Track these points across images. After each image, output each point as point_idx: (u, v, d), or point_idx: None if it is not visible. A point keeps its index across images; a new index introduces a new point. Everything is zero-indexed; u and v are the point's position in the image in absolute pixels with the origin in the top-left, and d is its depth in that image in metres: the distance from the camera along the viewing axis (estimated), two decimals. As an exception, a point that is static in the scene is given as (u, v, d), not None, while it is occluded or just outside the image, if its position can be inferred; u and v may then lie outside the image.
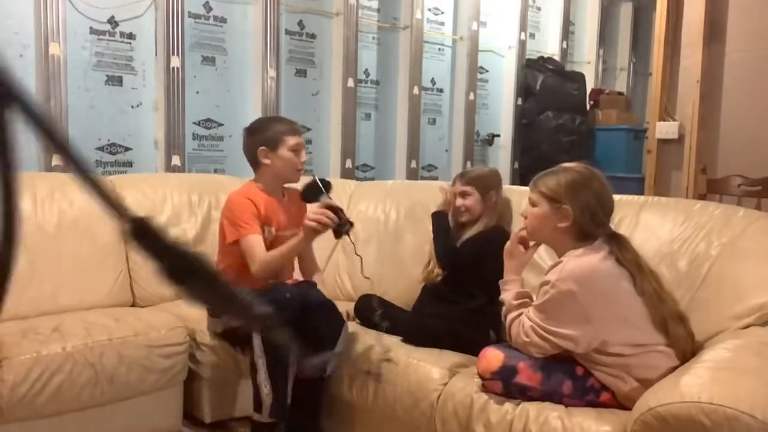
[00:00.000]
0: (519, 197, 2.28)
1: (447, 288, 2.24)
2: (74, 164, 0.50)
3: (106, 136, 3.01)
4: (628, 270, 1.66)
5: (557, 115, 4.87)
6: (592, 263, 1.65)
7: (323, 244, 2.51)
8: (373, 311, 2.23)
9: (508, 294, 1.80)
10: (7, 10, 2.67)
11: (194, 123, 3.30)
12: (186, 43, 3.15)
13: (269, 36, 3.43)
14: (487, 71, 4.91)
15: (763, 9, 3.20)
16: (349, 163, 3.86)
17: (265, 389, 2.00)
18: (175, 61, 3.08)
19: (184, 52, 3.12)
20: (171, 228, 2.67)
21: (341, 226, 2.01)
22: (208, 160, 3.39)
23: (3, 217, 0.47)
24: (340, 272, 2.74)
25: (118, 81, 3.02)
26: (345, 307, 2.36)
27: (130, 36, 3.04)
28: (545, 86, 4.91)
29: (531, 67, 4.98)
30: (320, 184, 2.09)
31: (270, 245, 2.17)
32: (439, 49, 4.57)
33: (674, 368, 1.58)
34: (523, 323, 1.70)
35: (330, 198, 2.08)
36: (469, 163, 4.62)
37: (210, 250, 2.71)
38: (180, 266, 0.56)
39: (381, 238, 2.70)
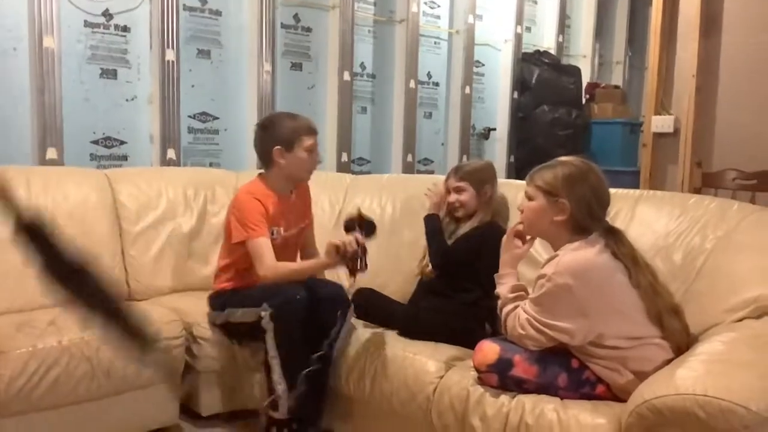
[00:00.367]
0: (515, 191, 2.28)
1: (442, 283, 2.24)
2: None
3: (101, 130, 3.00)
4: (624, 263, 1.66)
5: (553, 109, 4.87)
6: (588, 257, 1.65)
7: (318, 240, 2.51)
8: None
9: (503, 287, 1.81)
10: (0, 2, 2.66)
11: (189, 116, 3.29)
12: (181, 37, 3.13)
13: (265, 29, 3.42)
14: (483, 65, 4.91)
15: (758, 2, 3.20)
16: (345, 157, 3.86)
17: (281, 387, 2.01)
18: (170, 55, 3.07)
19: (179, 45, 3.10)
20: (166, 222, 2.67)
21: (356, 265, 1.96)
22: (204, 154, 3.38)
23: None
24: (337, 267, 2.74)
25: (112, 74, 3.01)
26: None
27: (125, 29, 3.03)
28: (541, 80, 4.91)
29: (527, 61, 4.98)
30: (362, 223, 2.06)
31: (277, 246, 2.17)
32: (435, 43, 4.56)
33: (669, 361, 1.59)
34: (519, 316, 1.70)
35: (364, 238, 2.02)
36: (465, 157, 4.62)
37: (206, 244, 2.73)
38: (65, 269, 0.55)
39: (377, 232, 2.69)
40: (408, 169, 4.24)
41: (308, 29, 3.76)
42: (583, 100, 5.26)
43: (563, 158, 1.80)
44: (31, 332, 1.99)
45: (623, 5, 5.97)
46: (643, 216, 2.08)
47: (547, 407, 1.61)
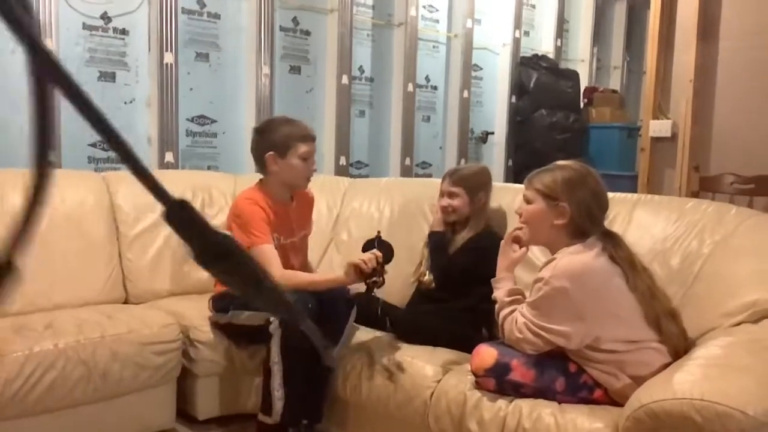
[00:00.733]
0: (513, 195, 2.28)
1: (440, 288, 2.23)
2: (117, 146, 0.50)
3: (99, 133, 2.99)
4: (622, 267, 1.66)
5: (551, 113, 4.88)
6: (586, 260, 1.65)
7: (317, 243, 2.51)
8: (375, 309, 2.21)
9: (500, 291, 1.81)
10: (-2, 5, 2.65)
11: (188, 119, 3.29)
12: (179, 40, 3.13)
13: (263, 32, 3.42)
14: (481, 69, 4.91)
15: (756, 7, 3.21)
16: (343, 160, 3.86)
17: (278, 393, 2.00)
18: (169, 57, 3.07)
19: (177, 48, 3.10)
20: (164, 225, 2.65)
21: (374, 282, 1.97)
22: (202, 157, 3.38)
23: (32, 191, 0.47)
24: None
25: (111, 77, 3.01)
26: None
27: (123, 32, 3.03)
28: (539, 84, 4.92)
29: (525, 65, 4.99)
30: (381, 246, 2.05)
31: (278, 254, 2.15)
32: (434, 47, 4.57)
33: (667, 365, 1.59)
34: (516, 320, 1.70)
35: (381, 257, 2.02)
36: (462, 161, 4.62)
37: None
38: (211, 250, 0.57)
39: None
40: (406, 172, 4.25)
41: (307, 32, 3.76)
42: (581, 105, 5.27)
43: (561, 162, 1.80)
44: (28, 335, 1.99)
45: (621, 10, 5.98)
46: (641, 220, 2.08)
47: (545, 411, 1.61)
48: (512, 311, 1.74)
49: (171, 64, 3.08)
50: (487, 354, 1.72)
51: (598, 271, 1.66)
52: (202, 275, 2.66)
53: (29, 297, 2.27)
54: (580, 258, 1.66)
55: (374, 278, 1.96)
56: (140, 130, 3.11)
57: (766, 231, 1.91)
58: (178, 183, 2.83)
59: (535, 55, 5.10)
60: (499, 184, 2.40)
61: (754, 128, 3.17)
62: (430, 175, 4.51)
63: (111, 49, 2.99)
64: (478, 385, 1.74)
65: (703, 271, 1.87)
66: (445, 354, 2.00)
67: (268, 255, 2.09)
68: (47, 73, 0.45)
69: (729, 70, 3.28)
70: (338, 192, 2.94)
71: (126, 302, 2.53)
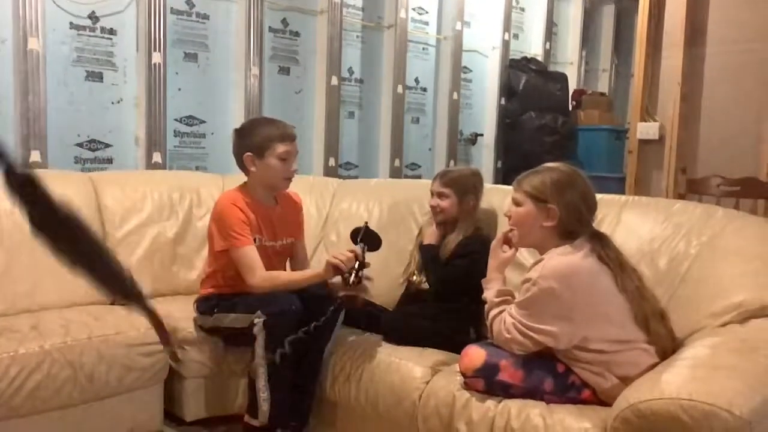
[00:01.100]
0: (502, 196, 2.28)
1: (436, 299, 2.22)
2: None
3: (86, 132, 2.98)
4: (610, 268, 1.67)
5: (540, 116, 4.90)
6: (574, 261, 1.66)
7: (307, 244, 2.50)
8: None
9: (490, 292, 1.82)
10: (-16, 3, 2.63)
11: (176, 120, 3.27)
12: (168, 40, 3.12)
13: (252, 33, 3.41)
14: (470, 71, 4.93)
15: (743, 10, 3.24)
16: (332, 162, 3.85)
17: (263, 395, 1.99)
18: (157, 58, 3.05)
19: (165, 48, 3.09)
20: (151, 226, 2.65)
21: (350, 279, 1.98)
22: (190, 158, 3.36)
23: None
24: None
25: (98, 77, 2.99)
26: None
27: (111, 31, 3.01)
28: (528, 86, 4.94)
29: (514, 68, 5.01)
30: (367, 235, 2.07)
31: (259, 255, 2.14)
32: (423, 49, 4.58)
33: (654, 365, 1.59)
34: (505, 320, 1.71)
35: (363, 249, 2.04)
36: (452, 162, 4.63)
37: (191, 248, 2.71)
38: (52, 221, 0.56)
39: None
40: (395, 173, 4.25)
41: (296, 33, 3.76)
42: (570, 107, 5.30)
43: (550, 164, 1.81)
44: (13, 337, 1.97)
45: (609, 13, 6.02)
46: (629, 222, 2.09)
47: (533, 412, 1.61)
48: (501, 312, 1.74)
49: (159, 64, 3.06)
50: (475, 355, 1.72)
51: (586, 272, 1.66)
52: (190, 276, 2.65)
53: (14, 298, 2.25)
54: (568, 258, 1.67)
55: (355, 274, 1.96)
56: (128, 131, 3.09)
57: (752, 233, 1.92)
58: (165, 183, 2.82)
59: (524, 58, 5.13)
60: (488, 186, 2.40)
61: (740, 131, 3.20)
62: (419, 177, 4.51)
63: (99, 48, 2.97)
64: (467, 386, 1.75)
65: (690, 272, 1.88)
66: (433, 355, 2.00)
67: (250, 257, 2.08)
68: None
69: (716, 74, 3.31)
70: (327, 193, 2.93)
71: (112, 303, 2.50)
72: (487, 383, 1.70)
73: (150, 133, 3.07)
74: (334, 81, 3.81)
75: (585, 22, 5.74)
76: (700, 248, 1.90)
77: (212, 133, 3.41)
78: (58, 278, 2.36)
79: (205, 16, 3.34)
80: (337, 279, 2.05)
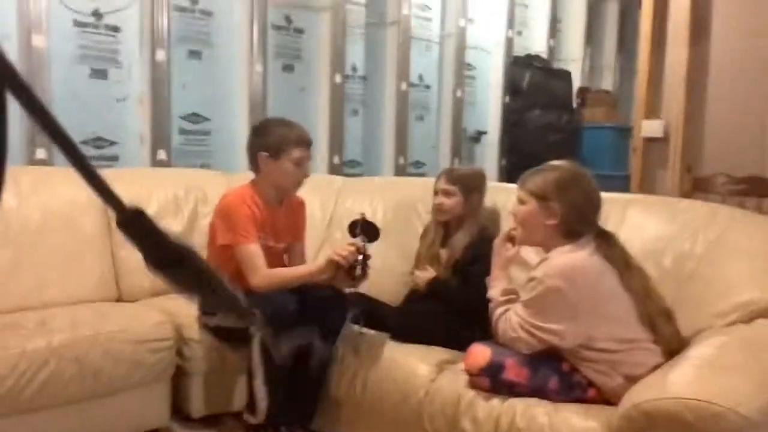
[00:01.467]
0: (506, 194, 2.28)
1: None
2: (69, 152, 0.50)
3: (91, 130, 2.98)
4: (616, 266, 1.67)
5: (544, 113, 4.89)
6: (579, 259, 1.66)
7: (310, 243, 2.50)
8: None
9: (494, 290, 1.82)
10: (-11, 1, 2.64)
11: (180, 117, 3.27)
12: (172, 37, 3.12)
13: (256, 30, 3.41)
14: (474, 68, 4.92)
15: (748, 6, 3.23)
16: (336, 159, 3.85)
17: (261, 394, 2.00)
18: (161, 55, 3.05)
19: (169, 45, 3.09)
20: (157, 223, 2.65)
21: (356, 272, 1.99)
22: (195, 155, 3.36)
23: None
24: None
25: (102, 74, 2.99)
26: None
27: (115, 29, 3.01)
28: (532, 84, 4.93)
29: (518, 65, 5.00)
30: (365, 227, 2.06)
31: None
32: (427, 46, 4.57)
33: (660, 365, 1.60)
34: (510, 319, 1.71)
35: (366, 243, 2.04)
36: (456, 161, 4.63)
37: (196, 246, 2.70)
38: (165, 255, 0.57)
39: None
40: (400, 171, 4.25)
41: (300, 31, 3.75)
42: (574, 105, 5.29)
43: (554, 162, 1.81)
44: (21, 333, 1.98)
45: (613, 10, 6.00)
46: (634, 220, 2.09)
47: (538, 411, 1.62)
48: (506, 310, 1.74)
49: (163, 62, 3.06)
50: (480, 353, 1.73)
51: (592, 270, 1.67)
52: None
53: (21, 295, 2.26)
54: (573, 257, 1.67)
55: (361, 267, 1.97)
56: (132, 128, 3.09)
57: (758, 231, 1.92)
58: (170, 181, 2.82)
59: (528, 55, 5.11)
60: (492, 184, 2.40)
61: (746, 129, 3.19)
62: (423, 175, 4.50)
63: (102, 46, 2.97)
64: (472, 385, 1.75)
65: (696, 271, 1.88)
66: (439, 353, 2.00)
67: (254, 254, 2.09)
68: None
69: (721, 71, 3.30)
70: (332, 191, 2.93)
71: (119, 300, 2.52)
72: (492, 382, 1.71)
73: (154, 130, 3.08)
74: (338, 78, 3.81)
75: (589, 18, 5.72)
76: (706, 247, 1.90)
77: (217, 131, 3.42)
78: (64, 275, 2.38)
79: (209, 13, 3.34)
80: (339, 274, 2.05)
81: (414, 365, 1.94)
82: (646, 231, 2.04)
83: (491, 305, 1.81)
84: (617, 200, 2.17)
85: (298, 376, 2.11)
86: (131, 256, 2.55)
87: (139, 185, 2.70)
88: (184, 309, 2.31)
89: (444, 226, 2.29)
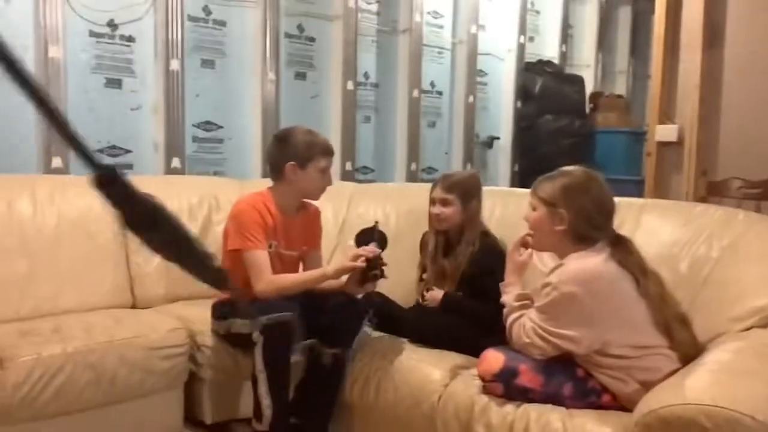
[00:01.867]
0: (518, 199, 2.27)
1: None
2: (47, 112, 0.51)
3: (106, 139, 3.01)
4: (631, 272, 1.66)
5: (556, 118, 4.88)
6: (594, 265, 1.65)
7: (322, 248, 2.51)
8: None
9: (508, 296, 1.81)
10: (6, 12, 2.67)
11: (194, 125, 3.30)
12: (185, 46, 3.15)
13: (269, 39, 3.43)
14: (486, 74, 4.92)
15: (762, 10, 3.21)
16: (349, 166, 3.86)
17: (266, 401, 2.00)
18: (175, 64, 3.08)
19: (183, 55, 3.12)
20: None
21: (373, 273, 1.99)
22: (208, 163, 3.39)
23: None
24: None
25: (117, 84, 3.02)
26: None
27: (130, 39, 3.04)
28: (544, 89, 4.92)
29: (530, 71, 4.99)
30: (376, 235, 2.08)
31: (271, 261, 2.14)
32: (439, 53, 4.57)
33: (676, 371, 1.58)
34: (524, 324, 1.70)
35: (378, 248, 2.04)
36: (468, 166, 4.62)
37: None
38: (141, 216, 0.58)
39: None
40: (412, 177, 4.25)
41: (312, 39, 3.77)
42: (587, 110, 5.27)
43: (566, 168, 1.80)
44: (36, 340, 1.99)
45: (626, 15, 5.98)
46: (648, 225, 2.08)
47: (553, 417, 1.60)
48: (520, 316, 1.73)
49: (177, 71, 3.09)
50: (494, 359, 1.72)
51: (607, 276, 1.65)
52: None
53: (36, 301, 2.28)
54: (588, 263, 1.66)
55: (374, 272, 1.98)
56: (147, 137, 3.12)
57: (774, 235, 1.90)
58: (184, 189, 2.84)
59: (540, 61, 5.11)
60: (505, 189, 2.39)
61: (760, 132, 3.16)
62: (435, 181, 4.50)
63: (117, 56, 3.01)
64: (486, 390, 1.74)
65: (712, 276, 1.86)
66: (452, 358, 1.99)
67: (260, 260, 2.10)
68: None
69: (735, 75, 3.28)
70: (344, 197, 2.94)
71: (133, 307, 2.53)
72: (505, 388, 1.70)
73: (168, 138, 3.10)
74: (350, 86, 3.82)
75: (601, 23, 5.71)
76: (722, 252, 1.89)
77: (230, 139, 3.44)
78: (79, 282, 2.40)
79: (222, 23, 3.37)
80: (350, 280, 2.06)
81: (427, 370, 1.94)
82: (661, 236, 2.03)
83: (505, 311, 1.80)
84: (632, 205, 2.16)
85: (312, 385, 2.11)
86: (146, 263, 2.57)
87: (153, 193, 2.68)
88: (199, 316, 2.32)
89: (443, 235, 2.24)
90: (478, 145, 4.87)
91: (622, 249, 1.69)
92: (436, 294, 2.17)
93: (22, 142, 2.73)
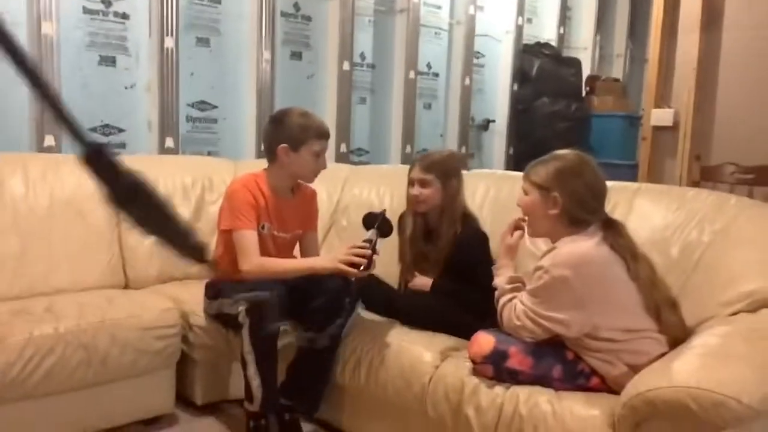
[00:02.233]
0: (512, 182, 2.27)
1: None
2: (37, 86, 0.51)
3: (99, 117, 2.99)
4: (622, 256, 1.66)
5: (553, 101, 4.87)
6: (586, 249, 1.66)
7: (318, 230, 2.50)
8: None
9: (500, 279, 1.82)
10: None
11: (188, 105, 3.28)
12: (180, 24, 3.12)
13: (264, 18, 3.40)
14: (483, 56, 4.89)
15: (760, -3, 3.19)
16: (344, 147, 3.85)
17: (255, 382, 2.00)
18: (169, 42, 3.06)
19: (178, 32, 3.09)
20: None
21: (369, 265, 1.97)
22: (202, 143, 3.37)
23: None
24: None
25: (111, 61, 3.00)
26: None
27: (124, 16, 3.01)
28: (541, 72, 4.90)
29: (527, 53, 4.97)
30: (378, 222, 2.05)
31: (263, 243, 2.15)
32: (436, 34, 4.54)
33: (664, 354, 1.59)
34: (516, 307, 1.71)
35: (377, 236, 2.02)
36: (464, 148, 4.61)
37: (203, 233, 2.72)
38: (124, 191, 0.58)
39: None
40: (407, 160, 4.23)
41: (308, 18, 3.74)
42: (584, 93, 5.25)
43: (558, 152, 1.79)
44: (28, 319, 2.00)
45: (624, -2, 5.95)
46: (641, 209, 2.08)
47: (541, 398, 1.62)
48: (512, 299, 1.74)
49: (171, 49, 3.07)
50: (484, 341, 1.73)
51: (599, 260, 1.66)
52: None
53: (29, 281, 2.28)
54: (580, 246, 1.66)
55: (371, 264, 1.97)
56: (140, 115, 3.10)
57: (765, 221, 1.91)
58: (178, 168, 2.83)
59: (538, 43, 5.08)
60: (499, 172, 2.39)
61: (755, 118, 3.16)
62: (430, 163, 4.49)
63: (111, 33, 2.98)
64: (476, 372, 1.75)
65: (703, 260, 1.87)
66: (443, 340, 2.00)
67: (248, 240, 2.09)
68: None
69: (732, 60, 3.27)
70: (339, 179, 2.93)
71: (126, 287, 2.53)
72: (495, 370, 1.71)
73: (162, 117, 3.09)
74: (346, 66, 3.80)
75: (600, 6, 5.67)
76: (713, 236, 1.89)
77: (224, 118, 3.42)
78: (72, 262, 2.40)
79: (217, 1, 3.34)
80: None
81: (418, 352, 1.94)
82: (653, 220, 2.03)
83: (497, 293, 1.81)
84: (625, 189, 2.16)
85: (303, 366, 2.12)
86: (139, 243, 2.57)
87: (147, 172, 2.66)
88: (191, 296, 2.33)
89: (423, 218, 2.20)
90: (473, 128, 4.85)
91: (614, 233, 1.70)
92: (424, 280, 2.16)
93: (14, 119, 2.71)
